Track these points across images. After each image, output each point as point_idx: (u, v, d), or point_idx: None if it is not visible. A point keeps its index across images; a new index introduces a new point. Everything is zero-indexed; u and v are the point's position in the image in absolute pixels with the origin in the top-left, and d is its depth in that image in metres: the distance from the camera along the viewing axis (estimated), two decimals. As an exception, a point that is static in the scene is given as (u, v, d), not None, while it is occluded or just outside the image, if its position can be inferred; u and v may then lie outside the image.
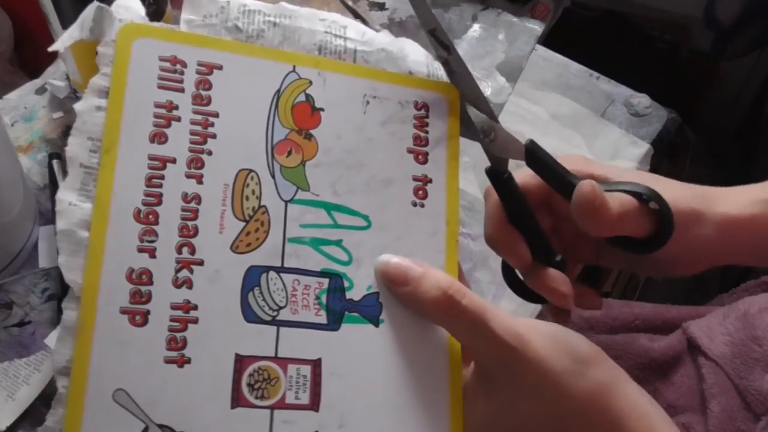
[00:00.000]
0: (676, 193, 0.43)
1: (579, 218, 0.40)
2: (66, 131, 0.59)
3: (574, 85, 0.70)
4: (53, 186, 0.56)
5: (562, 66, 0.71)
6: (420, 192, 0.39)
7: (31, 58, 0.87)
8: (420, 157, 0.39)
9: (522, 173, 0.43)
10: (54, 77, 0.62)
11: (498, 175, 0.42)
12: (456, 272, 0.39)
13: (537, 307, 0.57)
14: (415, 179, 0.39)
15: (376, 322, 0.37)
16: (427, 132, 0.40)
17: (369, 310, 0.37)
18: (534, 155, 0.42)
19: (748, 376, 0.54)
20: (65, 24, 0.52)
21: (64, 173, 0.56)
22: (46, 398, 0.51)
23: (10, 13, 0.84)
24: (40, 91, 0.62)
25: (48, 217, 0.55)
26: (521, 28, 0.73)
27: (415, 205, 0.39)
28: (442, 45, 0.40)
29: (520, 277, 0.45)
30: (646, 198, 0.41)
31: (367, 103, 0.39)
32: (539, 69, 0.71)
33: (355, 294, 0.37)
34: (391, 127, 0.39)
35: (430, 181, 0.39)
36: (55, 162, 0.57)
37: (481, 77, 0.68)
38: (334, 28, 0.41)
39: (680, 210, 0.42)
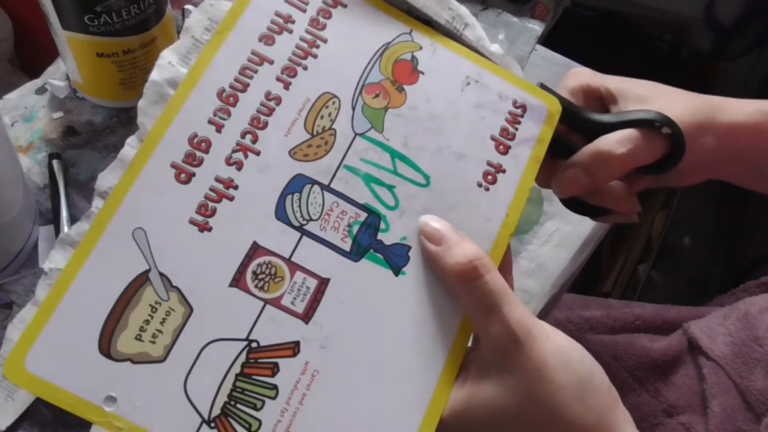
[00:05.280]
0: (682, 106, 0.44)
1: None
2: (66, 131, 0.59)
3: (575, 85, 0.69)
4: (53, 186, 0.56)
5: (562, 66, 0.71)
6: (489, 177, 0.40)
7: (31, 58, 0.87)
8: (501, 147, 0.40)
9: None
10: (54, 77, 0.62)
11: None
12: (498, 263, 0.38)
13: (538, 304, 0.57)
14: (489, 164, 0.40)
15: (397, 272, 0.37)
16: (517, 129, 0.41)
17: (395, 259, 0.37)
18: None
19: (749, 376, 0.54)
20: (65, 24, 0.52)
21: (65, 172, 0.56)
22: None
23: (10, 13, 0.83)
24: (40, 91, 0.62)
25: (48, 217, 0.55)
26: (521, 28, 0.73)
27: (480, 186, 0.39)
28: None
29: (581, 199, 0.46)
30: (658, 125, 0.42)
31: (467, 84, 0.41)
32: (539, 69, 0.71)
33: (387, 238, 0.37)
34: (483, 112, 0.41)
35: (504, 171, 0.40)
36: (55, 162, 0.56)
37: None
38: (457, 21, 0.43)
39: (686, 124, 0.43)
